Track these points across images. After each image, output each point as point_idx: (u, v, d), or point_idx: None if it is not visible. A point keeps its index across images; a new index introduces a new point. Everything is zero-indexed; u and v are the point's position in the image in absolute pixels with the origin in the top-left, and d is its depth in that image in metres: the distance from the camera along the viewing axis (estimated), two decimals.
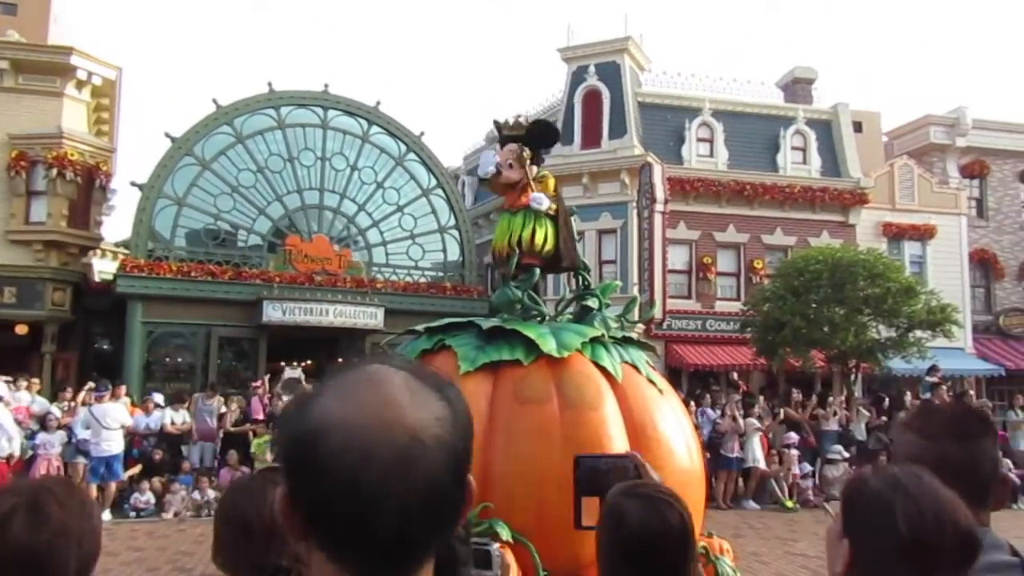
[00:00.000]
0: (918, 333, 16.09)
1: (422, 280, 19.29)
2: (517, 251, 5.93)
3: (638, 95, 20.54)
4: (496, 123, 6.23)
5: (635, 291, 16.69)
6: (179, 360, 17.20)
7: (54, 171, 17.08)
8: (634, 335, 5.89)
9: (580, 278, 6.23)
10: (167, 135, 17.50)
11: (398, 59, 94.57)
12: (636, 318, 7.02)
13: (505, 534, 4.31)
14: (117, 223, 68.33)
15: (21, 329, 17.23)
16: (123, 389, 13.14)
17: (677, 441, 5.20)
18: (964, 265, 22.24)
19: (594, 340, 5.46)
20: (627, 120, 19.86)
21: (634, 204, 18.76)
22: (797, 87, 23.34)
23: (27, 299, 17.22)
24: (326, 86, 18.89)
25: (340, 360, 17.23)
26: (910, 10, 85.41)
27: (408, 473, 0.77)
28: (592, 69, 20.29)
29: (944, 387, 15.38)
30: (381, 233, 19.16)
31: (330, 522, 0.79)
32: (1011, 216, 24.24)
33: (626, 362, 5.60)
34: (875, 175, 21.90)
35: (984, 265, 23.49)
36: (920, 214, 22.10)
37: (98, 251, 16.96)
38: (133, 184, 17.26)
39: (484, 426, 5.12)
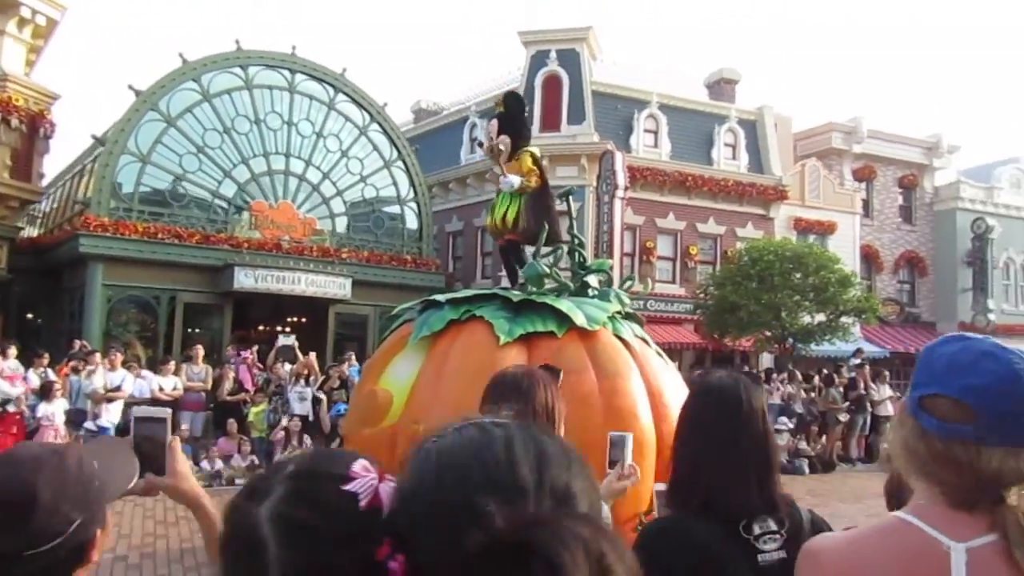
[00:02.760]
0: (843, 319, 18.22)
1: (384, 252, 19.34)
2: (546, 228, 6.34)
3: (592, 83, 21.45)
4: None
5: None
6: (140, 326, 16.38)
7: None
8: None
9: (576, 254, 6.72)
10: (131, 87, 16.48)
11: (356, 23, 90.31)
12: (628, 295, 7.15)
13: None
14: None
15: None
16: (119, 358, 12.52)
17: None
18: (856, 259, 25.02)
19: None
20: (585, 107, 20.75)
21: (592, 188, 19.73)
22: (723, 87, 25.15)
23: None
24: (293, 48, 18.41)
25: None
26: (819, 26, 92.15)
27: None
28: (553, 55, 20.98)
29: (867, 366, 17.57)
30: (344, 202, 19.01)
31: None
32: (891, 217, 27.44)
33: (637, 335, 6.13)
34: (788, 174, 24.13)
35: (868, 259, 26.49)
36: (824, 211, 24.61)
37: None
38: (94, 138, 16.14)
39: None
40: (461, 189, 23.13)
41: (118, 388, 11.97)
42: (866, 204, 26.76)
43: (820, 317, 18.07)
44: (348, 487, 0.87)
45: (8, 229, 16.47)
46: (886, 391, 17.33)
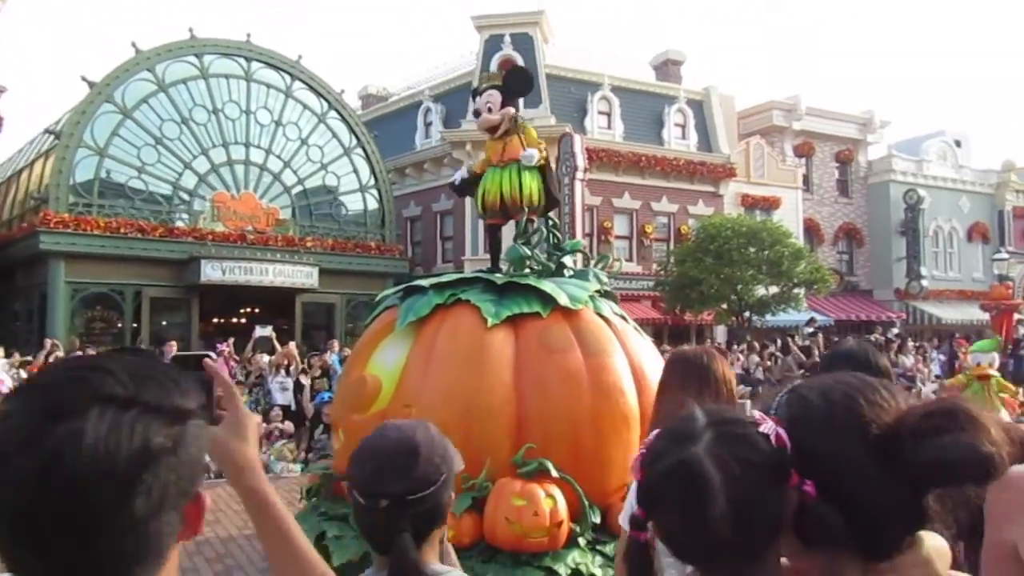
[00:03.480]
0: (796, 291, 19.09)
1: (347, 240, 19.34)
2: (526, 209, 6.28)
3: (546, 67, 21.74)
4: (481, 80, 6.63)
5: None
6: (105, 323, 16.08)
7: None
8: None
9: (551, 235, 6.70)
10: (84, 79, 16.05)
11: (299, 7, 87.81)
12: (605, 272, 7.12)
13: (553, 472, 4.82)
14: None
15: None
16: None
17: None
18: (800, 232, 26.05)
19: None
20: (540, 90, 21.03)
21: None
22: (669, 68, 25.74)
23: None
24: (248, 36, 18.17)
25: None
26: (759, 5, 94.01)
27: None
28: (508, 39, 21.18)
29: (819, 335, 18.50)
30: (306, 191, 18.92)
31: None
32: (829, 191, 28.62)
33: (616, 313, 6.22)
34: (734, 152, 24.93)
35: (810, 232, 27.59)
36: (768, 187, 25.53)
37: None
38: (48, 131, 15.68)
39: (513, 374, 5.55)
40: (418, 174, 23.18)
41: None
42: (806, 179, 27.82)
43: (774, 289, 18.89)
44: (761, 429, 1.08)
45: None
46: None
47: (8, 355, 12.16)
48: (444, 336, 5.79)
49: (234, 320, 18.48)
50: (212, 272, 16.13)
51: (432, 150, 22.63)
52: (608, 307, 6.47)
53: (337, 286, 18.54)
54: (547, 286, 5.86)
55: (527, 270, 6.34)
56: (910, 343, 20.29)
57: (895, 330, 24.40)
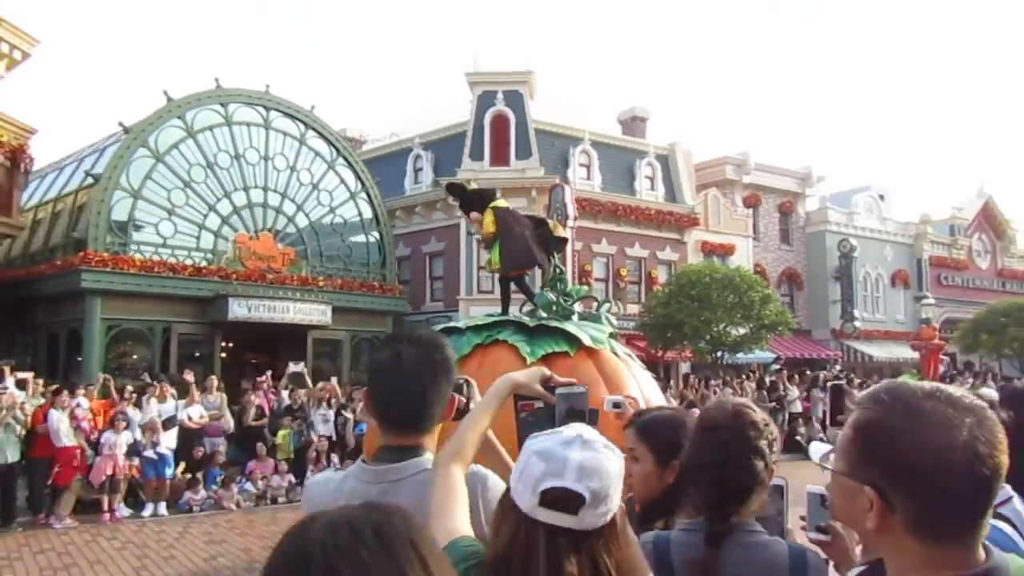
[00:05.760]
0: (762, 332, 21.29)
1: (354, 279, 20.43)
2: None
3: (534, 122, 23.56)
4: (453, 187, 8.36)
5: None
6: (135, 357, 16.69)
7: None
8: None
9: (558, 283, 7.68)
10: (120, 124, 16.87)
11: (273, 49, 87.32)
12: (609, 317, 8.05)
13: None
14: None
15: None
16: (168, 389, 13.19)
17: None
18: None
19: None
20: (530, 143, 22.81)
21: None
22: (635, 123, 28.01)
23: None
24: (267, 87, 19.27)
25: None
26: (713, 70, 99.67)
27: None
28: (500, 96, 22.90)
29: (784, 371, 20.69)
30: (316, 232, 19.99)
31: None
32: (773, 239, 31.35)
33: (625, 352, 7.09)
34: (695, 203, 27.26)
35: (759, 276, 30.13)
36: (724, 235, 27.94)
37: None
38: (88, 174, 16.38)
39: None
40: (407, 217, 24.49)
41: (172, 418, 12.70)
42: (755, 227, 30.46)
43: (742, 330, 21.02)
44: None
45: None
46: (794, 392, 20.49)
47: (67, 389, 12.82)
48: (485, 373, 6.82)
49: (248, 355, 19.27)
50: (239, 309, 17.00)
51: (424, 195, 24.02)
52: (619, 347, 7.85)
53: (345, 323, 19.59)
54: (572, 328, 6.69)
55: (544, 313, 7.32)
56: (855, 381, 22.59)
57: (837, 367, 27.01)
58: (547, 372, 2.00)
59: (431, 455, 1.88)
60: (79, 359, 16.39)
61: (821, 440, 2.72)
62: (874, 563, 1.82)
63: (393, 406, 1.88)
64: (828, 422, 2.91)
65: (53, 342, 17.07)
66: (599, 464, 1.36)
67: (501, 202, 8.06)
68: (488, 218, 7.96)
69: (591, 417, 1.88)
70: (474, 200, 8.43)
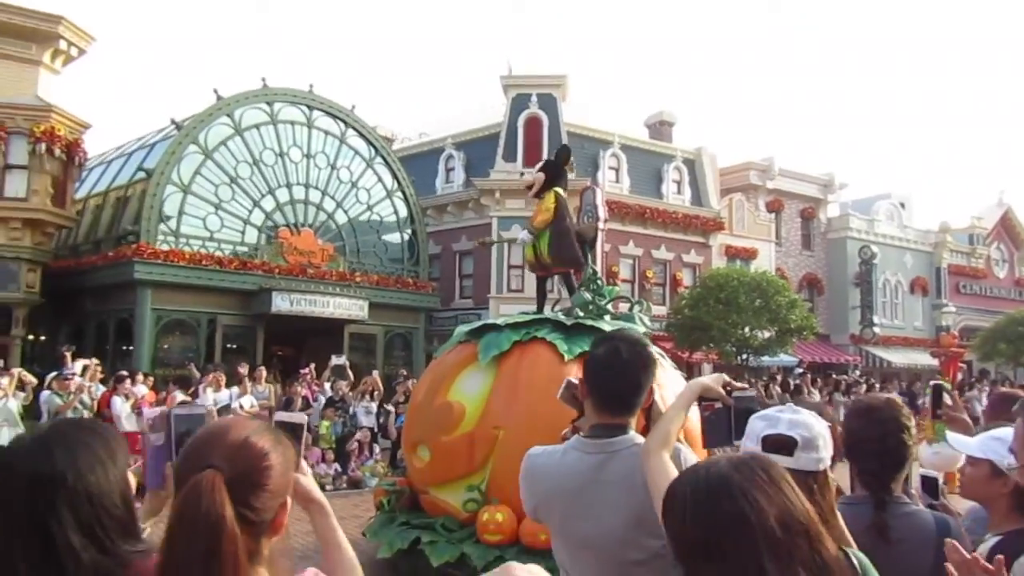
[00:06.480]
0: (788, 336, 21.68)
1: (389, 275, 20.92)
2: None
3: (566, 124, 23.98)
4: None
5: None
6: (182, 347, 17.23)
7: (43, 146, 16.12)
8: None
9: (592, 283, 7.91)
10: (172, 121, 17.40)
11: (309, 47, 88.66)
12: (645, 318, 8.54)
13: None
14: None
15: None
16: (223, 378, 13.70)
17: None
18: None
19: None
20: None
21: None
22: (662, 128, 28.40)
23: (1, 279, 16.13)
24: (311, 86, 19.76)
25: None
26: (739, 74, 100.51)
27: None
28: (534, 99, 23.34)
29: (808, 375, 21.07)
30: (354, 229, 20.47)
31: None
32: (795, 244, 31.69)
33: (657, 352, 8.06)
34: (720, 207, 27.65)
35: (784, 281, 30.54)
36: (748, 239, 28.32)
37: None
38: (141, 169, 16.91)
39: None
40: (439, 216, 24.95)
41: (227, 406, 13.20)
42: (777, 232, 30.81)
43: (767, 334, 21.42)
44: None
45: (44, 254, 16.90)
46: (816, 395, 20.87)
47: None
48: (525, 368, 6.81)
49: (289, 347, 19.79)
50: (282, 303, 17.50)
51: (456, 195, 24.49)
52: (652, 346, 8.22)
53: (379, 319, 20.07)
54: (607, 326, 6.88)
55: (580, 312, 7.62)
56: (876, 386, 22.90)
57: (857, 372, 27.36)
58: (727, 378, 2.44)
59: (635, 432, 2.32)
60: (127, 348, 16.95)
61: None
62: (1008, 534, 2.29)
63: (610, 392, 2.31)
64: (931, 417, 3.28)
65: (102, 331, 17.60)
66: (806, 420, 1.87)
67: (561, 190, 8.27)
68: (550, 201, 7.88)
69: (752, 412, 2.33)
70: (557, 169, 8.45)
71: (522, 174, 21.08)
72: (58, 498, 1.43)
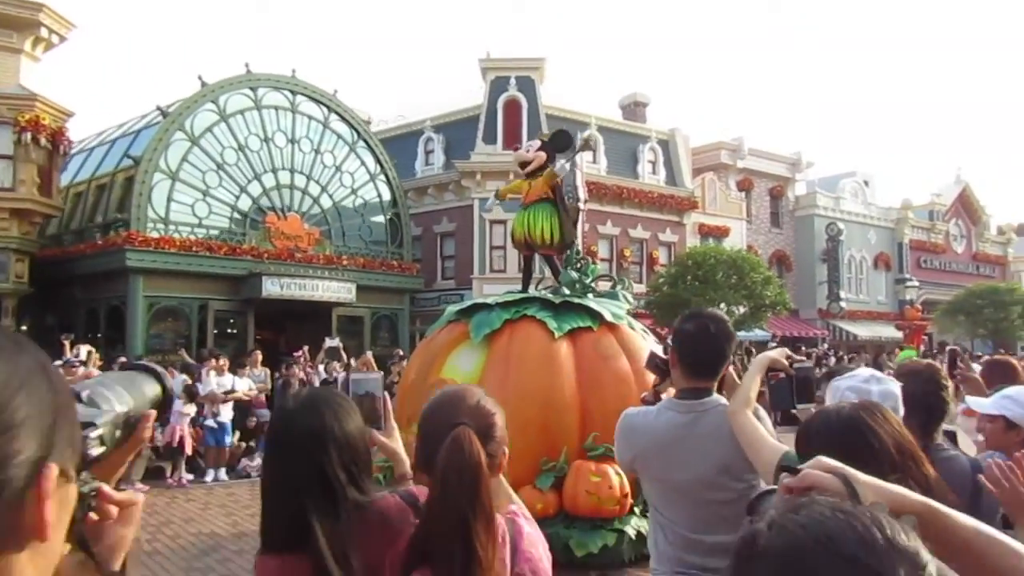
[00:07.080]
0: (762, 311, 22.46)
1: (375, 258, 21.19)
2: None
3: (544, 107, 24.35)
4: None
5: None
6: (174, 333, 17.39)
7: (28, 135, 16.10)
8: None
9: (578, 262, 8.43)
10: (158, 108, 17.43)
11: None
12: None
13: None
14: None
15: None
16: (226, 363, 13.96)
17: None
18: None
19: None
20: (541, 127, 23.59)
21: None
22: (636, 108, 28.91)
23: None
24: (293, 71, 19.85)
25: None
26: (711, 55, 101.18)
27: None
28: (513, 82, 23.65)
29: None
30: (339, 213, 20.69)
31: None
32: (764, 221, 32.53)
33: (639, 328, 7.77)
34: (693, 187, 28.30)
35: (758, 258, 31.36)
36: (720, 218, 29.05)
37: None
38: (128, 156, 16.95)
39: (576, 376, 6.67)
40: (419, 198, 25.22)
41: (231, 390, 13.50)
42: (747, 211, 31.60)
43: (743, 309, 22.17)
44: None
45: (31, 244, 16.91)
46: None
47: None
48: (516, 345, 7.08)
49: (268, 331, 20.02)
50: (272, 287, 17.73)
51: (436, 177, 24.77)
52: (636, 323, 8.04)
53: (366, 301, 20.37)
54: (594, 304, 7.31)
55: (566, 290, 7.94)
56: (845, 359, 23.77)
57: (825, 345, 28.35)
58: (788, 351, 2.94)
59: (717, 395, 2.80)
60: (117, 334, 17.07)
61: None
62: None
63: (699, 360, 2.74)
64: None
65: (92, 318, 17.68)
66: (892, 389, 2.35)
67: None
68: (545, 180, 8.29)
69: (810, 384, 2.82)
70: (557, 143, 8.72)
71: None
72: (329, 444, 1.84)
